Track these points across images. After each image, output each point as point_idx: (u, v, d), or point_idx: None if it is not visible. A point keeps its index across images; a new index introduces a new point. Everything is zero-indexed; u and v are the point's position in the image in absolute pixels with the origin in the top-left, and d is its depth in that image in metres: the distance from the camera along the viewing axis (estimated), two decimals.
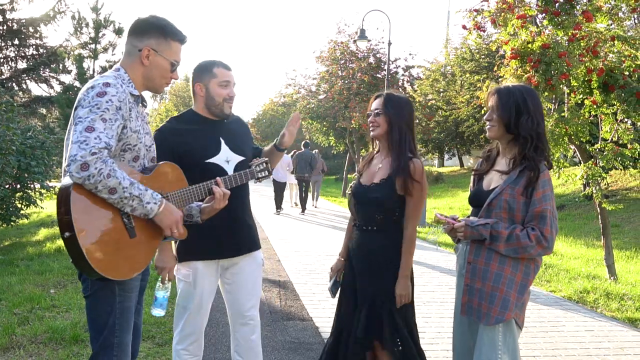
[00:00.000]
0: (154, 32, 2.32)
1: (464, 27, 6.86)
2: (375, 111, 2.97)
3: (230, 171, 2.98)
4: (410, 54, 33.14)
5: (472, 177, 2.90)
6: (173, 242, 2.95)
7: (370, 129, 3.01)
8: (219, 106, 3.00)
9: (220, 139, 3.02)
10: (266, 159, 2.86)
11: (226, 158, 3.01)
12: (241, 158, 3.07)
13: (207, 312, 3.12)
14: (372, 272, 2.92)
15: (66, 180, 2.08)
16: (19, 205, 9.77)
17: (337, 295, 3.12)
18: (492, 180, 2.70)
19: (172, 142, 2.89)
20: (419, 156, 2.99)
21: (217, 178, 2.60)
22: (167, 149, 2.84)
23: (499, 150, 2.78)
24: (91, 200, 2.07)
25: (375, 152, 3.12)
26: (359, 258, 2.97)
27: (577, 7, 6.60)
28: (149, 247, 2.27)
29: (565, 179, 7.59)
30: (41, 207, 11.41)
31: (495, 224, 2.56)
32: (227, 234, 3.01)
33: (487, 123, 2.68)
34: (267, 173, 2.83)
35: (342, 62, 24.54)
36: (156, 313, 2.71)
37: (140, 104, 2.40)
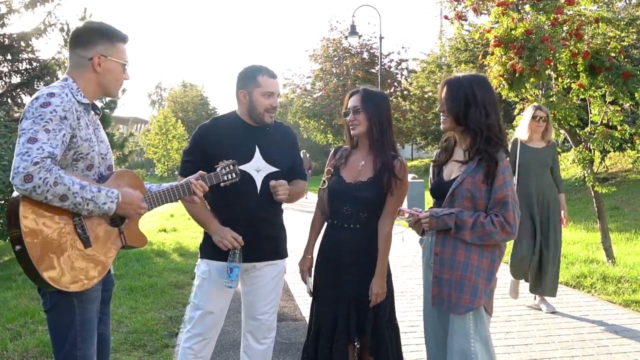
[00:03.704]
0: (98, 38, 2.30)
1: (446, 17, 6.82)
2: (355, 108, 2.91)
3: (259, 181, 2.94)
4: (402, 47, 32.98)
5: (431, 169, 2.88)
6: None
7: (351, 127, 2.95)
8: (260, 115, 2.96)
9: (256, 146, 2.97)
10: (233, 161, 2.75)
11: (257, 167, 2.96)
12: (274, 169, 2.99)
13: (221, 315, 3.06)
14: (356, 269, 2.89)
15: (15, 193, 2.06)
16: None
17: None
18: (453, 171, 2.70)
19: (208, 142, 2.92)
20: (399, 153, 2.97)
21: (200, 172, 2.59)
22: (201, 148, 2.91)
23: (456, 140, 2.76)
24: (41, 212, 2.05)
25: (351, 148, 3.06)
26: (340, 256, 2.93)
27: None
28: (105, 257, 2.25)
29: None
30: None
31: (459, 212, 2.56)
32: (245, 241, 2.92)
33: (441, 115, 2.67)
34: (233, 176, 2.72)
35: (336, 59, 24.57)
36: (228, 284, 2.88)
37: (93, 112, 2.39)
